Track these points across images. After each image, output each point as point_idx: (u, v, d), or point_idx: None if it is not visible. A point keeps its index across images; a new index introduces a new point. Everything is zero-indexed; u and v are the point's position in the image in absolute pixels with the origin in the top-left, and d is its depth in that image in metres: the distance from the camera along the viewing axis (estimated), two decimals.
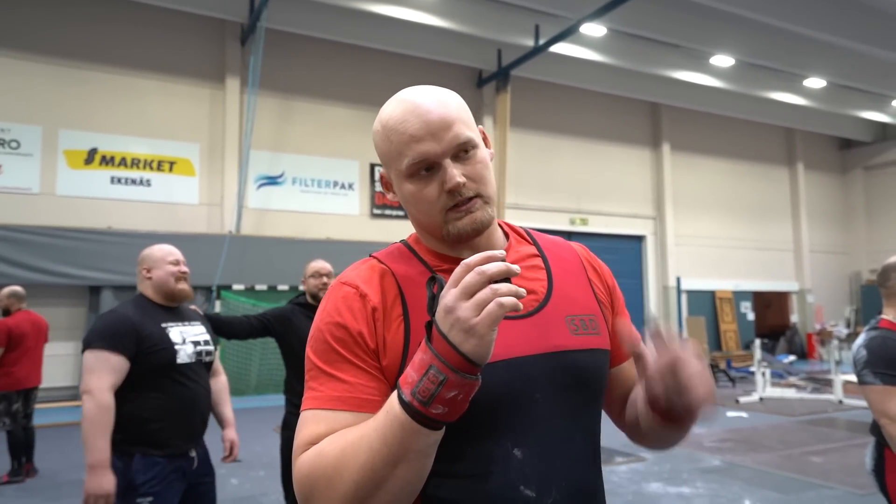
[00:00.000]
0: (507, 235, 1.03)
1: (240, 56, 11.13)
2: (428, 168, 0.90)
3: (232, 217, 10.65)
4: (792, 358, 14.44)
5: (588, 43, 12.08)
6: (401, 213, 12.47)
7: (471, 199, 0.90)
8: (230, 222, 10.64)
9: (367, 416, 0.81)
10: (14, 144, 9.57)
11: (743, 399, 9.08)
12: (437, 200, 0.90)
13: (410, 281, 0.91)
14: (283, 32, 11.00)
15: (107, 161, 10.14)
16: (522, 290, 0.74)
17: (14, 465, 5.22)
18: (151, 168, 10.43)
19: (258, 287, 10.46)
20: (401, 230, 12.30)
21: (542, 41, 11.45)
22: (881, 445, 2.17)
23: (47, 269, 9.21)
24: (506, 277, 0.74)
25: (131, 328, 2.29)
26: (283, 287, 10.51)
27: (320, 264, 3.31)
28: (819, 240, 18.24)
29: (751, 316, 16.72)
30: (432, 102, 0.90)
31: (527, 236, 1.06)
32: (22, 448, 5.24)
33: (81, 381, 2.23)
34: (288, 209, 11.38)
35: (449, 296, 0.74)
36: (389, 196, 0.99)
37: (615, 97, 14.48)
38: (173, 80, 10.72)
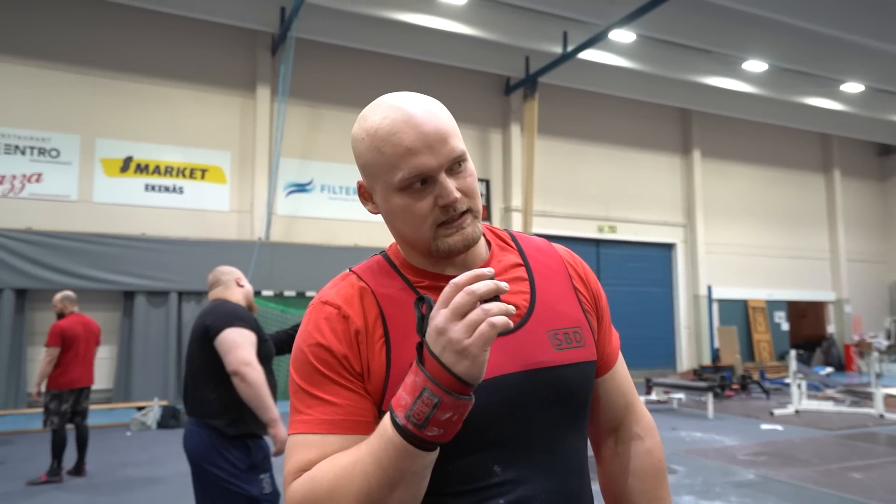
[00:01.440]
0: (489, 243, 1.01)
1: (270, 65, 11.33)
2: (422, 182, 0.86)
3: (262, 224, 10.81)
4: (829, 370, 14.03)
5: (617, 49, 11.99)
6: None
7: (462, 214, 0.89)
8: (260, 229, 10.80)
9: (358, 437, 0.81)
10: (54, 153, 9.87)
11: (777, 411, 8.84)
12: (430, 215, 0.87)
13: (390, 299, 0.90)
14: (313, 42, 11.16)
15: (141, 169, 10.38)
16: (512, 308, 0.73)
17: (53, 465, 5.34)
18: (184, 176, 10.65)
19: (287, 293, 10.58)
20: None
21: (570, 48, 11.40)
22: None
23: (84, 274, 9.45)
24: (495, 295, 0.74)
25: (251, 316, 2.59)
26: (311, 293, 10.61)
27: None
28: (857, 248, 17.72)
29: (785, 326, 16.31)
30: (425, 113, 0.86)
31: (511, 241, 1.03)
32: (62, 448, 5.36)
33: (233, 355, 2.39)
34: (316, 216, 11.50)
35: (439, 317, 0.73)
36: (368, 207, 0.95)
37: (644, 103, 14.33)
38: (205, 89, 10.95)
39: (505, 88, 13.28)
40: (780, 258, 16.40)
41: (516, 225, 12.93)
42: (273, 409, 2.43)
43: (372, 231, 11.78)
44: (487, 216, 13.18)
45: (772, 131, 16.25)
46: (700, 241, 15.07)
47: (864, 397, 9.83)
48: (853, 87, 14.03)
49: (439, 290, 0.77)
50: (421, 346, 0.75)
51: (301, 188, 11.51)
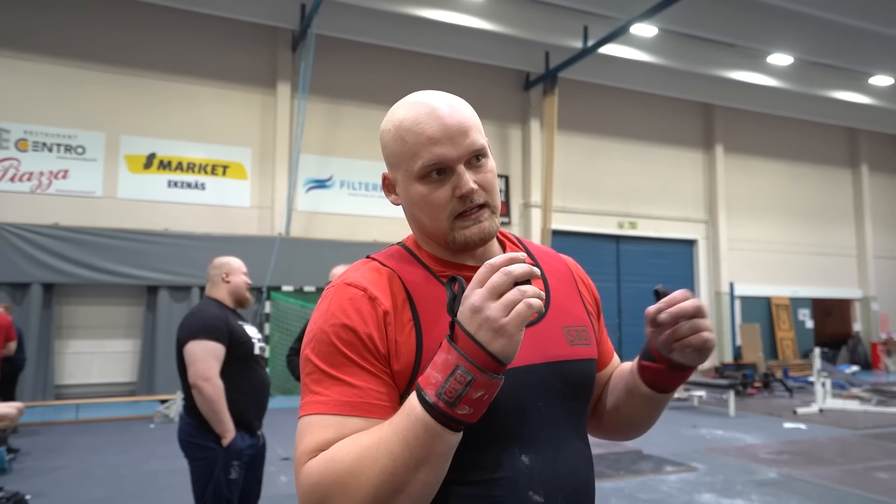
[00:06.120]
0: (502, 244, 1.04)
1: (290, 62, 11.40)
2: (440, 171, 0.89)
3: (282, 219, 10.90)
4: (855, 368, 13.76)
5: (638, 43, 11.85)
6: None
7: (480, 207, 0.90)
8: (280, 225, 10.89)
9: (377, 422, 0.80)
10: (80, 150, 10.05)
11: (801, 410, 8.70)
12: (447, 205, 0.90)
13: (416, 285, 0.90)
14: (333, 38, 11.21)
15: (164, 165, 10.53)
16: (542, 293, 0.75)
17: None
18: (206, 172, 10.78)
19: (307, 288, 10.66)
20: None
21: (590, 42, 11.29)
22: None
23: (108, 268, 9.62)
24: (527, 280, 0.75)
25: (224, 322, 2.64)
26: None
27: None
28: (885, 245, 17.33)
29: (809, 324, 16.02)
30: (448, 107, 0.91)
31: (520, 245, 1.06)
32: None
33: (192, 369, 2.52)
34: (336, 212, 11.57)
35: (475, 296, 0.74)
36: (390, 199, 0.99)
37: (666, 98, 14.15)
38: (227, 86, 11.06)
39: (525, 84, 13.21)
40: (804, 255, 16.11)
41: (536, 221, 12.87)
42: (226, 423, 2.54)
43: (391, 227, 11.81)
44: (507, 212, 13.13)
45: (797, 126, 15.94)
46: (722, 237, 14.86)
47: (891, 396, 9.64)
48: (882, 80, 13.69)
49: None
50: (453, 324, 0.76)
51: (321, 184, 11.58)
